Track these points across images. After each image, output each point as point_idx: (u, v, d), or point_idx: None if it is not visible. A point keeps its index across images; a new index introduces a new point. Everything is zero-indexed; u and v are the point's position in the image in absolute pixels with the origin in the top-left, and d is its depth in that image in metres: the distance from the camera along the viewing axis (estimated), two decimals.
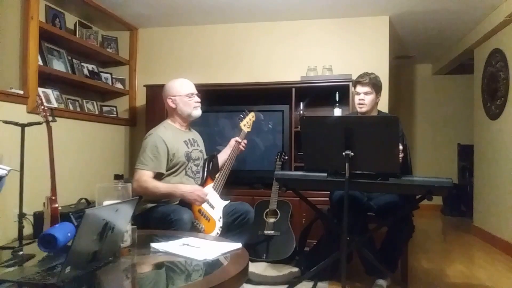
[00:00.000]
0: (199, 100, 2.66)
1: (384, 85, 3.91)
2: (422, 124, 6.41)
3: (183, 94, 2.61)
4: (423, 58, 5.99)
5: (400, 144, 2.39)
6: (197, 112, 2.66)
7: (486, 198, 4.25)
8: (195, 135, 2.79)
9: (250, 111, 2.99)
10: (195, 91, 2.66)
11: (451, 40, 4.84)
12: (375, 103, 2.74)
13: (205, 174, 2.64)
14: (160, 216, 2.32)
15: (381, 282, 2.58)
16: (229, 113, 3.80)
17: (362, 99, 2.70)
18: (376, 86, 2.73)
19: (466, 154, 5.67)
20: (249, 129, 2.95)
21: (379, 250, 2.66)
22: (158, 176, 2.48)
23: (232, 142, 2.84)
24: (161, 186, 2.42)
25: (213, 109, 3.83)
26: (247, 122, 2.95)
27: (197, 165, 2.66)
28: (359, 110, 2.74)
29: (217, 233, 2.44)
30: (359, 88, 2.72)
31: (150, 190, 2.37)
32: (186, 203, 2.40)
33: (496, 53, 4.00)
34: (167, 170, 2.51)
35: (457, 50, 4.97)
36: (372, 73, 2.76)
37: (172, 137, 2.56)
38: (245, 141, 2.88)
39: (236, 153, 2.81)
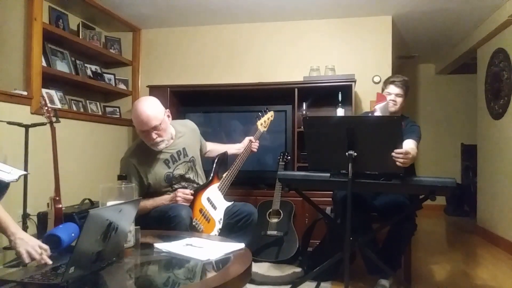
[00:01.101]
0: (156, 137, 2.29)
1: None
2: (425, 124, 6.37)
3: (138, 130, 2.33)
4: (426, 58, 5.98)
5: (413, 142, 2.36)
6: (158, 147, 2.34)
7: (490, 198, 4.23)
8: (182, 139, 2.51)
9: (269, 110, 2.92)
10: (152, 125, 2.25)
11: (454, 39, 4.83)
12: (401, 106, 2.71)
13: (212, 173, 2.56)
14: (159, 214, 2.28)
15: (384, 282, 2.57)
16: (232, 113, 3.81)
17: (393, 100, 2.67)
18: (407, 90, 2.70)
19: (469, 153, 5.65)
20: (265, 129, 2.89)
21: (381, 249, 2.66)
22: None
23: (246, 140, 2.79)
24: (148, 204, 2.34)
25: (215, 110, 3.84)
26: (264, 121, 2.89)
27: (186, 179, 2.48)
28: (388, 109, 2.69)
29: (215, 235, 2.39)
30: (392, 89, 2.68)
31: (139, 211, 2.30)
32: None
33: (499, 53, 3.99)
34: (148, 196, 2.40)
35: (460, 49, 4.96)
36: (404, 76, 2.73)
37: (148, 162, 2.36)
38: (258, 142, 2.82)
39: (248, 153, 2.74)
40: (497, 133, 4.05)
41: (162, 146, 2.35)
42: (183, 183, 2.47)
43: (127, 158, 2.38)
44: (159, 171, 2.38)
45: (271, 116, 2.94)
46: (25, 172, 1.88)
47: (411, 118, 2.83)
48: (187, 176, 2.49)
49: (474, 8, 3.76)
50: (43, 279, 1.25)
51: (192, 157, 2.54)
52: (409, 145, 2.41)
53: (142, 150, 2.38)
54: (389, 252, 2.60)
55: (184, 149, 2.50)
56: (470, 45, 4.58)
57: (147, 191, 2.40)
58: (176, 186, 2.44)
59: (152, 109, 2.29)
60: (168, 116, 2.41)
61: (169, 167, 2.41)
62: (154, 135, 2.28)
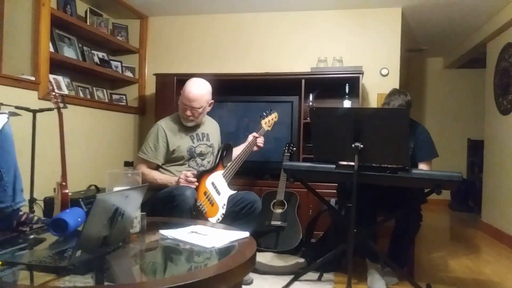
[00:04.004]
0: (190, 115, 2.55)
1: (395, 78, 3.92)
2: (432, 118, 6.35)
3: (180, 100, 2.59)
4: (434, 52, 5.92)
5: None
6: (186, 123, 2.61)
7: (495, 194, 4.22)
8: (208, 128, 2.76)
9: (273, 111, 3.04)
10: (192, 105, 2.53)
11: (463, 33, 4.78)
12: None
13: (217, 160, 2.67)
14: (164, 195, 2.38)
15: (376, 266, 2.59)
16: (238, 103, 3.80)
17: None
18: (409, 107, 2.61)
19: (475, 149, 5.63)
20: (269, 128, 3.00)
21: (390, 246, 2.67)
22: (157, 166, 2.57)
23: (250, 137, 2.88)
24: (158, 178, 2.52)
25: (222, 99, 3.82)
26: (268, 121, 2.99)
27: (203, 159, 2.68)
28: None
29: (218, 219, 2.47)
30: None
31: (148, 180, 2.46)
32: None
33: (509, 47, 3.95)
34: (169, 162, 2.59)
35: (470, 43, 4.91)
36: (407, 95, 2.60)
37: (176, 131, 2.61)
38: (263, 138, 2.92)
39: (251, 148, 2.84)
40: (504, 128, 4.02)
41: (190, 124, 2.63)
42: (200, 162, 2.65)
43: (160, 124, 2.62)
44: (184, 142, 2.61)
45: (275, 117, 3.05)
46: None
47: (418, 112, 2.82)
48: (203, 156, 2.68)
49: (484, 2, 3.72)
50: (50, 262, 1.26)
51: (212, 144, 2.75)
52: None
53: (175, 121, 2.66)
54: (397, 248, 2.61)
55: (207, 134, 2.74)
56: (480, 40, 4.53)
57: (169, 159, 2.59)
58: (192, 163, 2.62)
59: (201, 93, 2.57)
60: (210, 105, 2.68)
61: (193, 142, 2.65)
62: (188, 112, 2.56)
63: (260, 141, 2.89)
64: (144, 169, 2.52)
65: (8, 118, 1.75)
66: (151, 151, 2.55)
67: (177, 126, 2.63)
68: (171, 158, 2.59)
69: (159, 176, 2.53)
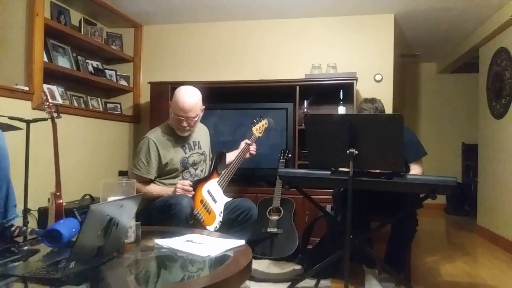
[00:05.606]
0: (186, 125, 2.49)
1: (389, 84, 3.94)
2: (426, 123, 6.39)
3: (173, 113, 2.51)
4: (428, 57, 5.97)
5: None
6: (182, 133, 2.55)
7: (490, 197, 4.23)
8: (198, 135, 2.71)
9: (263, 118, 3.07)
10: (188, 116, 2.47)
11: (456, 38, 4.82)
12: None
13: (211, 168, 2.67)
14: (160, 204, 2.37)
15: (374, 272, 2.58)
16: (233, 110, 3.81)
17: None
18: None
19: (470, 153, 5.65)
20: (260, 135, 3.02)
21: (386, 252, 2.66)
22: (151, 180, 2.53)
23: (242, 144, 2.88)
24: (154, 190, 2.50)
25: (216, 107, 3.83)
26: (259, 127, 3.01)
27: (196, 169, 2.65)
28: None
29: (216, 227, 2.46)
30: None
31: (144, 194, 2.39)
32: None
33: (501, 52, 3.98)
34: (162, 175, 2.55)
35: (462, 48, 4.95)
36: (375, 102, 2.69)
37: (167, 143, 2.54)
38: (255, 145, 2.93)
39: (244, 155, 2.85)
40: (498, 132, 4.04)
41: (186, 134, 2.56)
42: (193, 172, 2.62)
43: (150, 137, 2.52)
44: (177, 154, 2.55)
45: (265, 123, 3.07)
46: None
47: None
48: (197, 165, 2.65)
49: (476, 7, 3.75)
50: (44, 274, 1.25)
51: (204, 151, 2.72)
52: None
53: (165, 132, 2.58)
54: (394, 253, 2.61)
55: (198, 142, 2.69)
56: (472, 44, 4.57)
57: (162, 172, 2.54)
58: (185, 174, 2.57)
59: (195, 102, 2.51)
60: (202, 111, 2.62)
61: (185, 152, 2.59)
62: (185, 123, 2.49)
63: (253, 148, 2.92)
64: (138, 185, 2.45)
65: None
66: (144, 166, 2.47)
67: (168, 137, 2.56)
68: (164, 172, 2.53)
69: (154, 189, 2.50)
